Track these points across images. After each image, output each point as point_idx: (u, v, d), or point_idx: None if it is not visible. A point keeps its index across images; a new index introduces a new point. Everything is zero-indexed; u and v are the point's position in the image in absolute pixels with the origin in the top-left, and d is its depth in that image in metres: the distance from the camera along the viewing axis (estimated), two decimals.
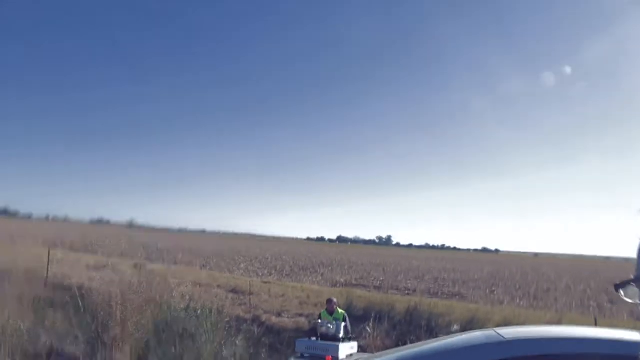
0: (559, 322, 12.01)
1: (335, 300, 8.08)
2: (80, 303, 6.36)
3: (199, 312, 7.28)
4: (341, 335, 3.32)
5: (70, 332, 6.44)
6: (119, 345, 5.20)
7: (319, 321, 3.82)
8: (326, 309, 7.64)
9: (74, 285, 12.38)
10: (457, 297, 20.87)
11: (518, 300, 20.15)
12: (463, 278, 32.13)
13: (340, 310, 7.78)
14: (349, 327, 7.89)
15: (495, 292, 23.48)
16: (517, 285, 27.74)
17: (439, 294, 21.86)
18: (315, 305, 15.46)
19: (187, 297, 8.57)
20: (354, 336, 7.53)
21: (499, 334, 2.54)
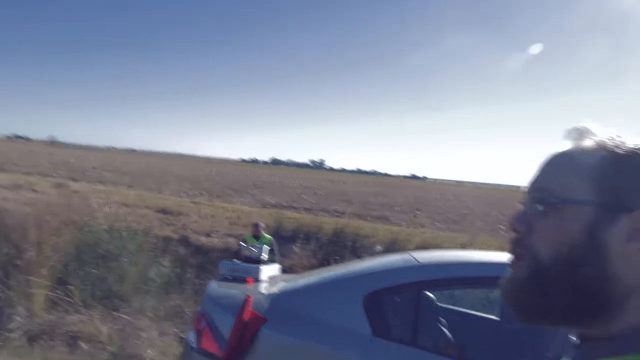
0: (471, 244, 12.97)
1: (262, 224, 7.88)
2: None
3: (124, 233, 7.12)
4: (264, 257, 3.37)
5: None
6: (34, 267, 4.99)
7: (242, 244, 3.86)
8: (252, 233, 7.54)
9: None
10: (383, 220, 21.89)
11: (438, 224, 21.48)
12: (390, 202, 33.61)
13: (267, 235, 7.70)
14: (277, 253, 7.53)
15: (417, 216, 24.85)
16: (439, 211, 29.45)
17: (366, 216, 22.79)
18: (245, 226, 15.62)
19: (112, 218, 8.31)
20: (281, 259, 7.34)
21: (414, 257, 2.68)
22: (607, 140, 0.67)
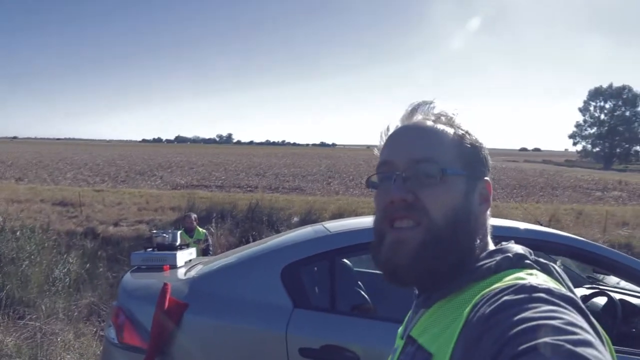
0: None
1: (194, 215, 7.06)
2: None
3: (18, 232, 6.59)
4: (177, 243, 3.30)
5: None
6: None
7: (154, 231, 3.76)
8: (183, 228, 6.71)
9: None
10: (297, 190, 22.14)
11: (352, 190, 22.15)
12: (302, 172, 33.97)
13: (201, 230, 7.02)
14: (212, 248, 7.10)
15: (331, 184, 25.43)
16: (350, 177, 30.33)
17: (280, 188, 22.90)
18: (155, 210, 15.06)
19: (2, 218, 7.61)
20: (214, 253, 6.88)
21: (325, 227, 2.79)
22: (452, 118, 0.81)
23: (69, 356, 3.89)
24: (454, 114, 0.81)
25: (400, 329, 0.86)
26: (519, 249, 0.74)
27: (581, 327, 0.52)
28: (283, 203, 15.48)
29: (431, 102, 0.82)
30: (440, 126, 0.78)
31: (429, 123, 0.79)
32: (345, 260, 2.87)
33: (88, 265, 7.01)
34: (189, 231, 6.78)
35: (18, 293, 5.30)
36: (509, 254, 0.71)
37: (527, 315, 0.54)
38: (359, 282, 2.79)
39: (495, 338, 0.54)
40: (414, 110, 0.82)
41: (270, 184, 24.86)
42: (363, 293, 2.71)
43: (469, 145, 0.78)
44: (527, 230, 2.55)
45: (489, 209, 0.80)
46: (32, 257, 6.12)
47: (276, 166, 41.11)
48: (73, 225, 12.54)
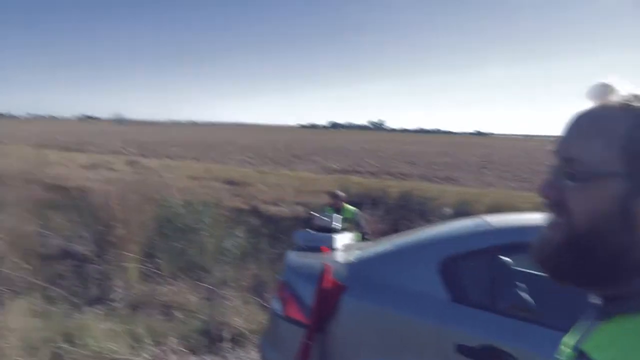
0: None
1: (341, 194, 6.70)
2: (81, 204, 6.49)
3: (198, 206, 7.46)
4: (336, 225, 3.45)
5: (76, 233, 6.66)
6: (125, 243, 5.41)
7: (314, 214, 3.98)
8: (330, 205, 6.46)
9: (71, 186, 12.57)
10: (450, 180, 21.46)
11: (508, 182, 20.75)
12: (456, 162, 32.80)
13: (349, 208, 6.60)
14: (365, 226, 6.60)
15: (486, 175, 24.12)
16: (507, 168, 28.40)
17: (432, 178, 22.43)
18: (312, 193, 15.91)
19: (185, 192, 8.75)
20: (369, 232, 6.54)
21: (487, 221, 2.66)
22: (633, 100, 0.66)
23: (238, 320, 4.36)
24: (637, 95, 0.67)
25: (566, 338, 0.79)
26: None
27: None
28: (435, 193, 15.13)
29: (607, 82, 0.69)
30: (607, 111, 0.66)
31: (600, 111, 0.67)
32: (505, 258, 2.71)
33: (253, 240, 7.70)
34: (336, 210, 6.36)
35: (197, 259, 6.07)
36: None
37: None
38: (521, 283, 2.62)
39: None
40: (598, 90, 0.70)
41: (422, 173, 24.48)
42: (525, 294, 2.54)
43: None
44: None
45: None
46: (209, 228, 6.92)
47: (428, 154, 40.29)
48: (239, 203, 13.90)
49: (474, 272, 2.56)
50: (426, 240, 2.74)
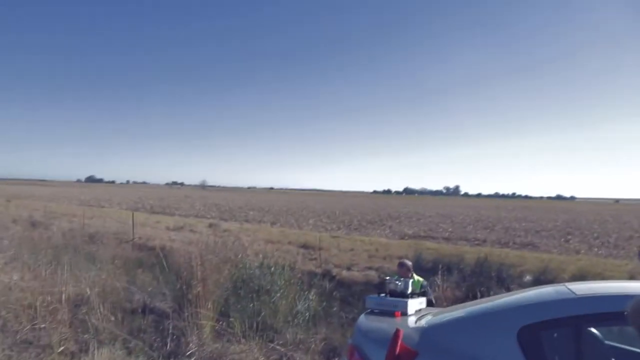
0: None
1: (408, 263, 6.48)
2: (165, 263, 6.87)
3: (272, 268, 7.60)
4: (409, 291, 3.41)
5: (158, 290, 7.05)
6: (202, 301, 5.62)
7: (387, 278, 3.91)
8: (398, 274, 6.21)
9: (157, 246, 13.33)
10: (529, 246, 20.29)
11: (596, 250, 19.23)
12: (535, 227, 31.07)
13: (417, 278, 6.41)
14: (432, 298, 6.23)
15: (570, 241, 22.54)
16: (594, 234, 26.41)
17: (510, 243, 21.34)
18: (384, 258, 15.67)
19: (260, 255, 8.97)
20: (434, 303, 6.15)
21: (570, 289, 2.50)
22: None
23: None
24: None
25: None
26: None
27: None
28: (514, 259, 14.36)
29: None
30: None
31: None
32: (593, 330, 2.53)
33: (324, 303, 7.68)
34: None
35: (269, 320, 6.14)
36: None
37: None
38: (611, 358, 2.42)
39: None
40: None
41: (500, 238, 23.37)
42: None
43: None
44: None
45: None
46: (282, 290, 7.01)
47: (506, 219, 38.52)
48: (313, 266, 13.96)
49: (555, 343, 2.40)
50: (504, 307, 2.60)
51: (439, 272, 11.12)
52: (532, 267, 12.80)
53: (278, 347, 5.45)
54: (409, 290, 3.35)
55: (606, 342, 2.63)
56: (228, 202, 58.83)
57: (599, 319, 2.24)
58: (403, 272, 6.22)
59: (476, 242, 21.59)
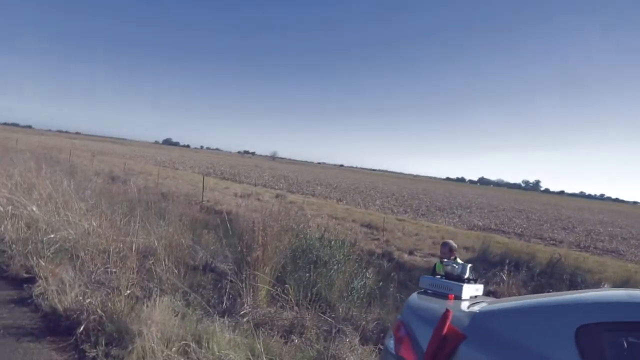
0: None
1: (452, 243, 6.21)
2: (229, 226, 7.09)
3: (333, 242, 7.61)
4: (466, 276, 3.26)
5: (220, 251, 7.30)
6: (260, 266, 5.74)
7: (445, 260, 3.76)
8: (442, 257, 6.03)
9: (224, 210, 13.83)
10: (613, 253, 18.86)
11: None
12: (623, 233, 28.82)
13: (460, 262, 6.28)
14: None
15: None
16: None
17: (591, 248, 19.98)
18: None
19: (322, 228, 9.01)
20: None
21: None
22: None
23: (352, 357, 4.29)
24: None
25: None
26: None
27: None
28: (593, 264, 13.42)
29: None
30: None
31: None
32: None
33: (381, 283, 7.60)
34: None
35: (324, 292, 6.17)
36: None
37: None
38: None
39: None
40: None
41: (579, 241, 21.93)
42: None
43: None
44: None
45: None
46: (339, 265, 7.01)
47: (589, 222, 36.04)
48: (374, 246, 13.88)
49: (620, 348, 2.17)
50: (565, 302, 2.42)
51: (506, 267, 10.65)
52: (614, 275, 11.90)
53: (330, 319, 5.46)
54: (467, 275, 3.20)
55: None
56: (297, 175, 59.82)
57: None
58: (445, 252, 6.00)
59: (552, 242, 20.43)
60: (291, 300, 5.66)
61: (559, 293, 2.85)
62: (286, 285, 6.11)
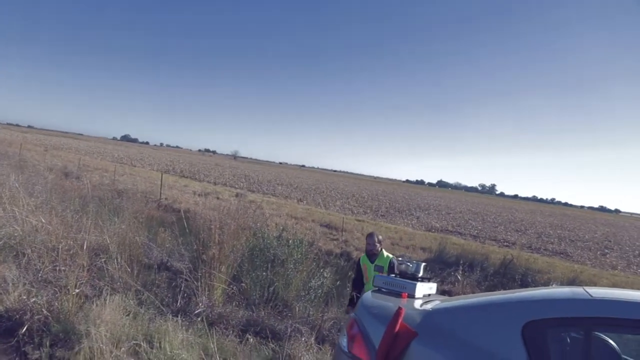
0: None
1: (378, 235, 5.80)
2: (186, 225, 6.95)
3: (291, 241, 7.61)
4: (420, 274, 3.32)
5: (176, 249, 7.16)
6: (216, 264, 5.66)
7: (399, 259, 3.82)
8: (368, 249, 5.71)
9: (182, 208, 13.58)
10: (561, 255, 19.68)
11: (635, 267, 18.44)
12: (571, 236, 30.12)
13: (386, 254, 5.76)
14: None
15: (607, 255, 21.71)
16: (636, 250, 25.34)
17: (541, 249, 20.77)
18: (407, 247, 15.50)
19: (281, 227, 8.99)
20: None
21: (587, 292, 2.35)
22: None
23: (307, 356, 4.29)
24: None
25: None
26: None
27: None
28: (542, 265, 13.96)
29: None
30: None
31: None
32: (608, 340, 2.37)
33: (339, 283, 7.64)
34: (370, 255, 5.67)
35: (281, 291, 6.15)
36: None
37: None
38: None
39: None
40: None
41: (531, 243, 22.77)
42: None
43: None
44: None
45: None
46: (297, 264, 7.00)
47: (540, 225, 37.48)
48: (333, 246, 13.95)
49: (562, 342, 2.28)
50: (513, 300, 2.50)
51: (460, 267, 10.92)
52: (561, 275, 12.41)
53: (286, 318, 5.45)
54: (420, 274, 3.25)
55: (623, 356, 2.45)
56: (258, 175, 59.41)
57: (612, 324, 2.09)
58: (371, 243, 5.65)
59: (505, 244, 21.11)
60: (247, 299, 5.61)
61: (508, 291, 2.94)
62: (242, 284, 6.05)
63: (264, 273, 6.44)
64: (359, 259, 5.87)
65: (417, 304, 2.82)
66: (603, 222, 63.64)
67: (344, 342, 2.69)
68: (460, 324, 2.38)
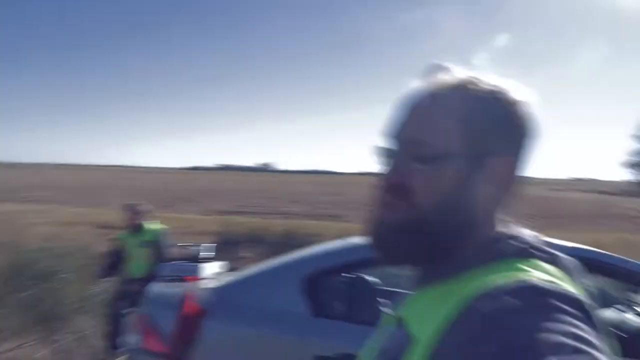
0: None
1: (137, 207, 5.20)
2: None
3: (59, 251, 6.83)
4: (201, 255, 3.36)
5: None
6: None
7: (180, 244, 3.79)
8: (129, 223, 5.09)
9: None
10: (335, 218, 22.05)
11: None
12: (342, 200, 33.94)
13: (153, 227, 5.26)
14: (166, 250, 5.06)
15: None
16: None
17: (317, 216, 22.91)
18: (200, 234, 15.31)
19: (47, 238, 7.93)
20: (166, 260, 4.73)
21: (351, 241, 2.74)
22: (466, 80, 0.66)
23: None
24: (470, 76, 0.67)
25: (393, 308, 0.78)
26: (527, 235, 0.65)
27: (584, 340, 0.47)
28: (320, 229, 15.37)
29: (441, 63, 0.69)
30: (444, 91, 0.66)
31: (439, 91, 0.66)
32: (363, 275, 2.79)
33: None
34: (135, 228, 5.06)
35: (54, 308, 5.45)
36: (513, 241, 0.63)
37: (532, 326, 0.49)
38: (375, 296, 2.73)
39: (499, 347, 0.48)
40: (433, 70, 0.69)
41: (308, 212, 24.92)
42: (381, 306, 2.65)
43: (484, 113, 0.64)
44: (574, 248, 2.37)
45: (508, 189, 0.67)
46: (69, 274, 6.29)
47: (315, 194, 41.32)
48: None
49: (335, 287, 2.62)
50: (292, 260, 2.75)
51: (246, 243, 11.35)
52: (336, 234, 13.74)
53: (65, 336, 4.85)
54: (201, 255, 3.30)
55: (374, 285, 2.88)
56: (9, 180, 50.54)
57: (365, 265, 2.50)
58: (130, 216, 5.12)
59: (286, 216, 22.61)
60: (13, 328, 4.80)
61: (287, 255, 3.18)
62: (3, 311, 5.14)
63: (31, 292, 5.60)
64: (116, 238, 5.14)
65: (207, 284, 2.85)
66: (369, 184, 73.59)
67: (134, 339, 2.56)
68: (247, 292, 2.54)
